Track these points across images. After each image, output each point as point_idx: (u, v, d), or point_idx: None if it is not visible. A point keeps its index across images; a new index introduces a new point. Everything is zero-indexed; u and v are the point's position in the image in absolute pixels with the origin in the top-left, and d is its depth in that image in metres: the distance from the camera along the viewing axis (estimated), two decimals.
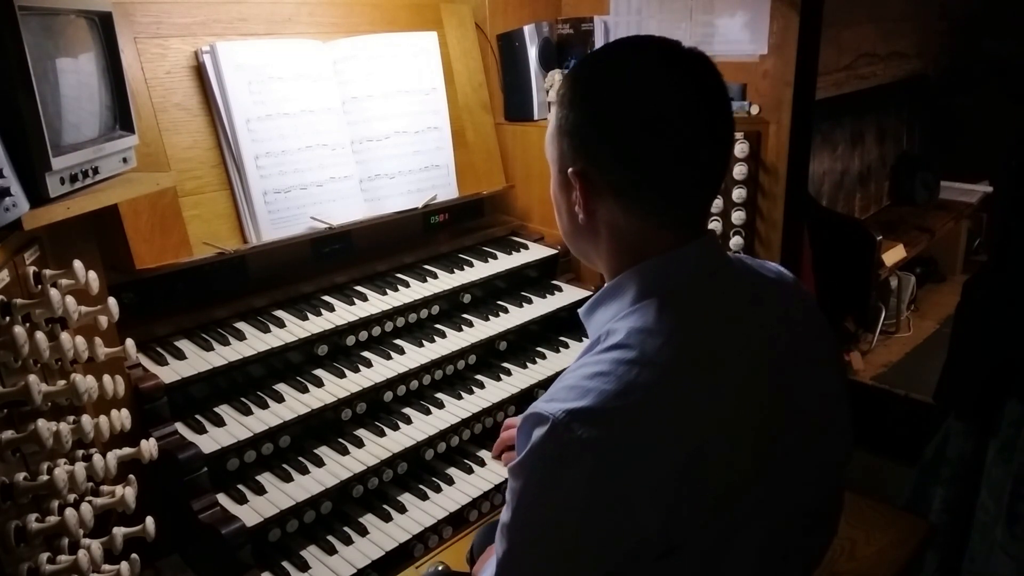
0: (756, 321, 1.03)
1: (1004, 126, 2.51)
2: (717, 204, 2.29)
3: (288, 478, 1.69)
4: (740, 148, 2.21)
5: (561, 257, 2.42)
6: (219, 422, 1.69)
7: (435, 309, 2.15)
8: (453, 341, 2.06)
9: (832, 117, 3.62)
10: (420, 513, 1.76)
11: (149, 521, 1.35)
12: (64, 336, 1.26)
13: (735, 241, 2.31)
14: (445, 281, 2.17)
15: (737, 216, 2.28)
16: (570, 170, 1.01)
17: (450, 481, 1.86)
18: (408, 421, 1.90)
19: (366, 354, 1.97)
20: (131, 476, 1.38)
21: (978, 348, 2.16)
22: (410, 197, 2.23)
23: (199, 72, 1.90)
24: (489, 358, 2.17)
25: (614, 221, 1.01)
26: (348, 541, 1.67)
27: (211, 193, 1.91)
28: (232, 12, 1.97)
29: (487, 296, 2.29)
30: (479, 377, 2.08)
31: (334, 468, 1.73)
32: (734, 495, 0.94)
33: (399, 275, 2.16)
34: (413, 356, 1.98)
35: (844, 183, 3.86)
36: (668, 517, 0.90)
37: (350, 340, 1.97)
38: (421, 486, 1.84)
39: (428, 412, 1.93)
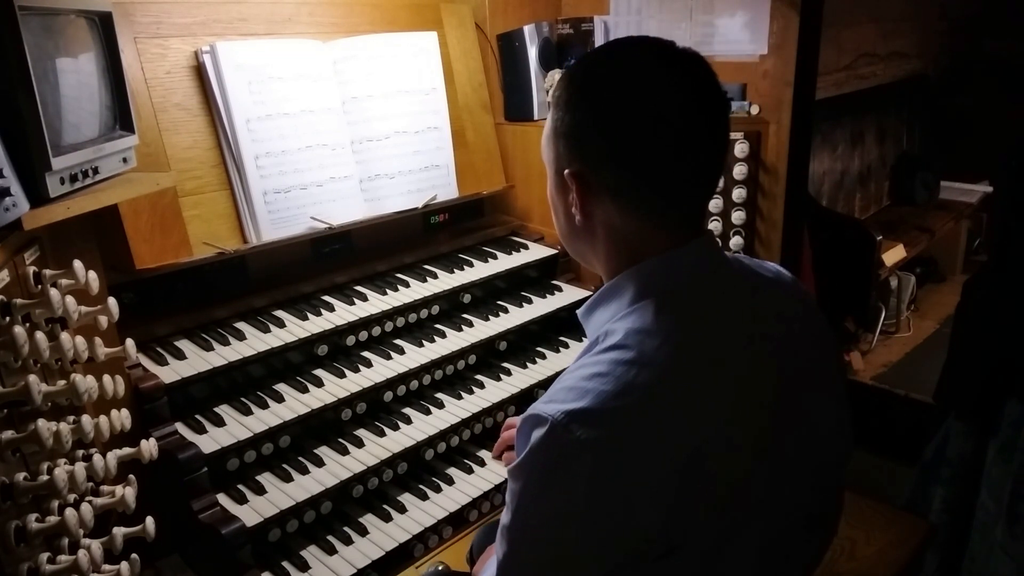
0: (755, 321, 1.03)
1: (1004, 126, 2.51)
2: (717, 204, 2.29)
3: (288, 478, 1.69)
4: (740, 148, 2.21)
5: (561, 257, 2.42)
6: (219, 422, 1.69)
7: (435, 309, 2.15)
8: (453, 341, 2.06)
9: (832, 117, 3.62)
10: (420, 513, 1.76)
11: (149, 521, 1.35)
12: (64, 336, 1.26)
13: (735, 241, 2.31)
14: (445, 281, 2.17)
15: (737, 216, 2.28)
16: (566, 171, 1.01)
17: (450, 481, 1.86)
18: (408, 421, 1.90)
19: (366, 354, 1.97)
20: (131, 476, 1.38)
21: (978, 348, 2.16)
22: (410, 197, 2.23)
23: (199, 72, 1.90)
24: (489, 358, 2.17)
25: (611, 222, 1.01)
26: (348, 541, 1.67)
27: (211, 193, 1.91)
28: (232, 12, 1.97)
29: (487, 296, 2.29)
30: (479, 377, 2.08)
31: (334, 468, 1.73)
32: (734, 495, 0.94)
33: (399, 275, 2.16)
34: (413, 356, 1.98)
35: (844, 183, 3.86)
36: (668, 517, 0.90)
37: (350, 340, 1.97)
38: (421, 486, 1.84)
39: (428, 412, 1.93)
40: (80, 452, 1.31)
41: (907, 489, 2.40)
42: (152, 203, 1.76)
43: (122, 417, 1.38)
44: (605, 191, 0.99)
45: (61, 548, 1.20)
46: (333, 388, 1.83)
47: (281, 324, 1.89)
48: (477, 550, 1.53)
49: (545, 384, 2.06)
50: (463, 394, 2.01)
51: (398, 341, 2.03)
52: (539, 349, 2.24)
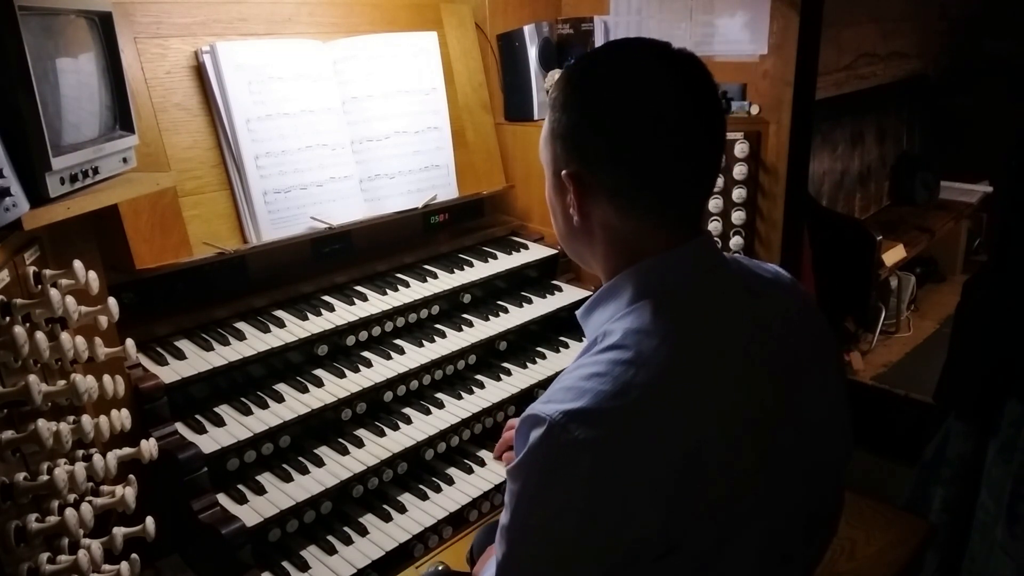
0: (754, 321, 1.03)
1: (1004, 126, 2.51)
2: (717, 204, 2.29)
3: (288, 478, 1.69)
4: (740, 148, 2.22)
5: (561, 257, 2.42)
6: (219, 422, 1.69)
7: (435, 309, 2.15)
8: (453, 341, 2.06)
9: (832, 117, 3.62)
10: (420, 513, 1.76)
11: (149, 521, 1.35)
12: (64, 336, 1.26)
13: (735, 241, 2.31)
14: (445, 281, 2.17)
15: (737, 216, 2.28)
16: (563, 172, 1.01)
17: (450, 481, 1.86)
18: (408, 421, 1.90)
19: (366, 354, 1.97)
20: (131, 476, 1.38)
21: (978, 348, 2.16)
22: (410, 197, 2.23)
23: (199, 72, 1.90)
24: (489, 358, 2.17)
25: (609, 222, 1.01)
26: (348, 541, 1.67)
27: (211, 193, 1.91)
28: (232, 12, 1.97)
29: (487, 296, 2.29)
30: (479, 377, 2.08)
31: (334, 468, 1.73)
32: (733, 495, 0.94)
33: (399, 275, 2.16)
34: (413, 356, 1.98)
35: (844, 183, 3.86)
36: (667, 517, 0.90)
37: (350, 340, 1.97)
38: (421, 486, 1.84)
39: (428, 412, 1.93)
40: (80, 452, 1.31)
41: (907, 489, 2.39)
42: (152, 203, 1.76)
43: (122, 417, 1.39)
44: (602, 192, 1.00)
45: (61, 548, 1.20)
46: (333, 388, 1.83)
47: (281, 324, 1.89)
48: (477, 550, 1.53)
49: (545, 384, 2.06)
50: (463, 394, 2.01)
51: (398, 341, 2.03)
52: (539, 349, 2.24)
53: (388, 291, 2.07)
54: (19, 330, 1.12)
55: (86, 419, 1.25)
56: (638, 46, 1.04)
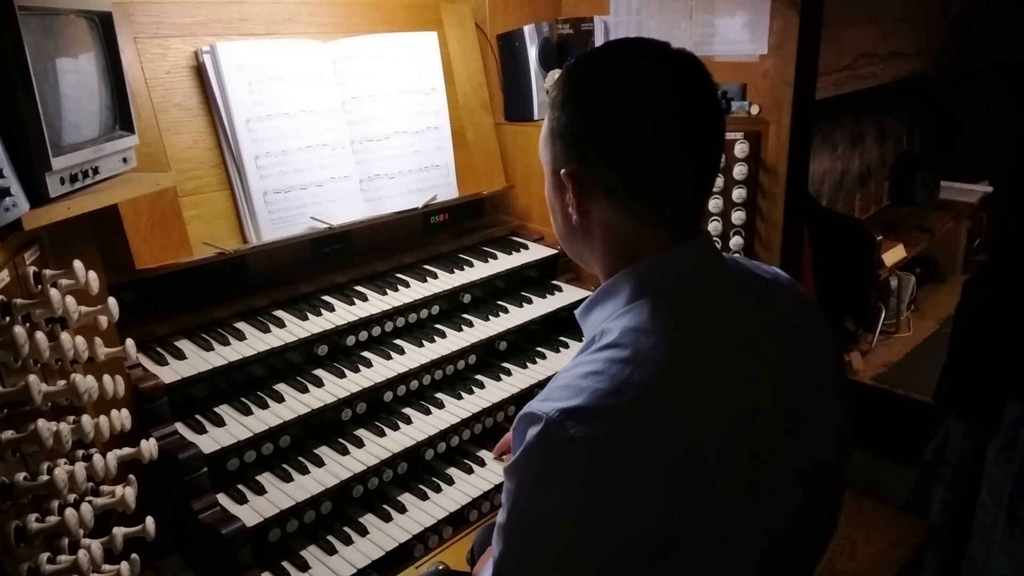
0: (753, 320, 1.03)
1: (1004, 126, 2.51)
2: (717, 204, 2.29)
3: (288, 478, 1.69)
4: (740, 148, 2.22)
5: (561, 257, 2.42)
6: (219, 422, 1.69)
7: (435, 309, 2.15)
8: (453, 341, 2.06)
9: (832, 117, 3.62)
10: (420, 513, 1.76)
11: (149, 521, 1.35)
12: (64, 336, 1.26)
13: (735, 241, 2.31)
14: (445, 281, 2.17)
15: (737, 216, 2.28)
16: (562, 171, 1.01)
17: (450, 481, 1.86)
18: (408, 421, 1.90)
19: (366, 354, 1.97)
20: (131, 476, 1.38)
21: (978, 348, 2.16)
22: (410, 197, 2.23)
23: (199, 72, 1.90)
24: (489, 358, 2.17)
25: (608, 222, 1.01)
26: (348, 541, 1.67)
27: (211, 193, 1.91)
28: (232, 12, 1.97)
29: (487, 296, 2.29)
30: (479, 377, 2.08)
31: (334, 468, 1.73)
32: (730, 494, 0.94)
33: (399, 275, 2.16)
34: (413, 356, 1.98)
35: (844, 183, 3.87)
36: (663, 515, 0.90)
37: (350, 340, 1.97)
38: (421, 486, 1.84)
39: (428, 412, 1.93)
40: (80, 452, 1.31)
41: (907, 489, 2.39)
42: (152, 203, 1.76)
43: (122, 417, 1.39)
44: (601, 191, 1.00)
45: (61, 548, 1.20)
46: (333, 388, 1.83)
47: (281, 324, 1.89)
48: (478, 550, 1.53)
49: (545, 384, 2.04)
50: (463, 394, 2.01)
51: (398, 341, 2.03)
52: (539, 349, 2.24)
53: (388, 291, 2.07)
54: (19, 330, 1.12)
55: (86, 419, 1.25)
56: (638, 46, 1.05)
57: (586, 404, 0.89)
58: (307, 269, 2.08)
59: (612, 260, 1.04)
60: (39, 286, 1.28)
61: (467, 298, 2.23)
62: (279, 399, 1.77)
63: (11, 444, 1.14)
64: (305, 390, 1.81)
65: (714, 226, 2.31)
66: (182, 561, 1.67)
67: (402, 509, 1.77)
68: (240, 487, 1.66)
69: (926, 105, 4.49)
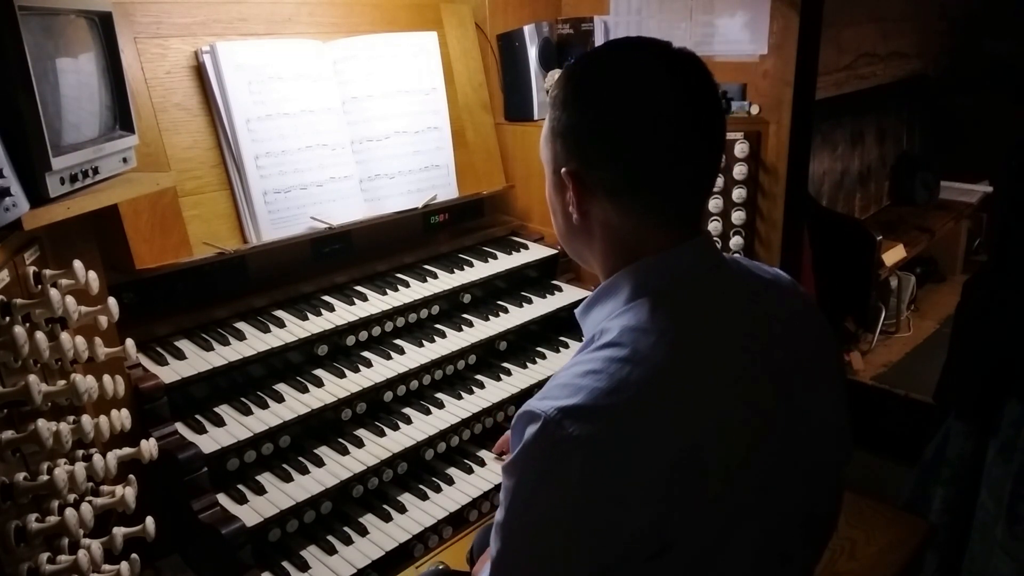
0: (752, 320, 1.03)
1: (1004, 126, 2.51)
2: (717, 204, 2.29)
3: (288, 478, 1.69)
4: (740, 148, 2.21)
5: (561, 257, 2.42)
6: (219, 422, 1.69)
7: (435, 309, 2.15)
8: (453, 341, 2.06)
9: (832, 117, 3.62)
10: (420, 513, 1.76)
11: (149, 521, 1.35)
12: (64, 336, 1.26)
13: (735, 241, 2.31)
14: (445, 281, 2.17)
15: (737, 216, 2.28)
16: (563, 170, 1.02)
17: (450, 481, 1.86)
18: (408, 421, 1.90)
19: (366, 354, 1.97)
20: (131, 476, 1.38)
21: (978, 348, 2.16)
22: (410, 197, 2.23)
23: (199, 72, 1.90)
24: (489, 358, 2.17)
25: (608, 221, 1.02)
26: (348, 541, 1.67)
27: (211, 193, 1.91)
28: (232, 12, 1.97)
29: (487, 296, 2.29)
30: (479, 377, 2.08)
31: (334, 468, 1.73)
32: (729, 494, 0.94)
33: (399, 275, 2.16)
34: (413, 356, 1.98)
35: (844, 183, 3.87)
36: (661, 514, 0.90)
37: (350, 340, 1.97)
38: (421, 486, 1.84)
39: (428, 412, 1.93)
40: (80, 452, 1.31)
41: (907, 489, 2.39)
42: (152, 203, 1.76)
43: (122, 417, 1.39)
44: (601, 190, 1.00)
45: (61, 548, 1.20)
46: (333, 388, 1.83)
47: (281, 324, 1.89)
48: (477, 550, 1.53)
49: (545, 384, 2.05)
50: (463, 394, 2.01)
51: (398, 341, 2.03)
52: (539, 349, 2.24)
53: (388, 291, 2.07)
54: (19, 330, 1.12)
55: (86, 419, 1.25)
56: (639, 45, 1.05)
57: (585, 403, 0.89)
58: (307, 269, 2.08)
59: (612, 259, 1.04)
60: (39, 286, 1.28)
61: (467, 298, 2.23)
62: (279, 399, 1.77)
63: (11, 444, 1.14)
64: (305, 390, 1.81)
65: (714, 226, 2.31)
66: (182, 561, 1.67)
67: (402, 509, 1.77)
68: (240, 487, 1.66)
69: (926, 105, 4.49)
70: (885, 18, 3.83)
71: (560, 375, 0.97)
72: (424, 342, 2.03)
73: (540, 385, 2.05)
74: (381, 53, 2.18)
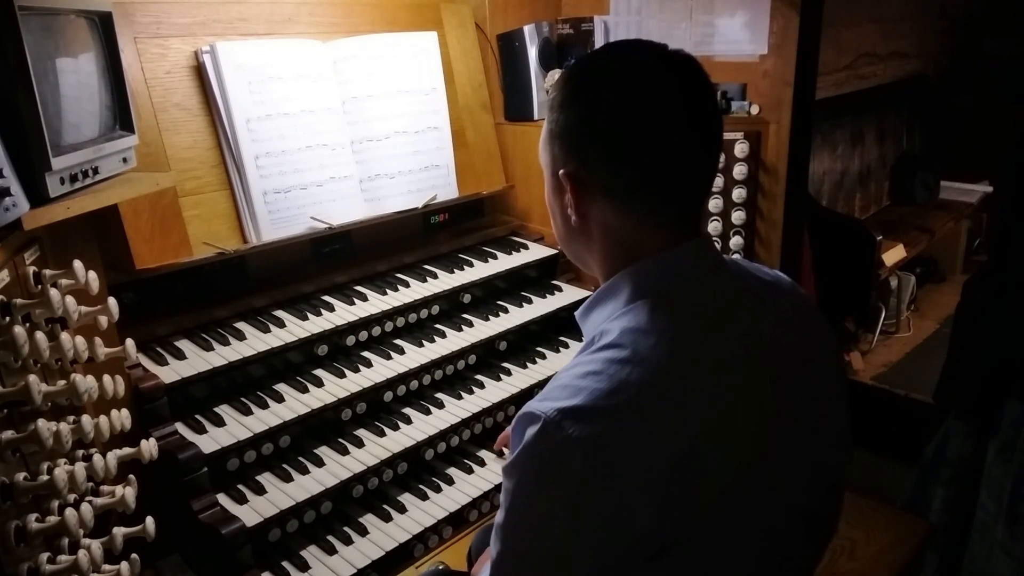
0: (752, 321, 1.03)
1: (1004, 126, 2.51)
2: (717, 204, 2.29)
3: (288, 478, 1.69)
4: (740, 148, 2.21)
5: (561, 257, 2.42)
6: (219, 422, 1.69)
7: (435, 309, 2.15)
8: (453, 341, 2.06)
9: (832, 117, 3.62)
10: (420, 513, 1.76)
11: (149, 521, 1.35)
12: (64, 336, 1.26)
13: (735, 241, 2.31)
14: (445, 281, 2.17)
15: (737, 216, 2.28)
16: (561, 172, 1.02)
17: (450, 481, 1.86)
18: (408, 421, 1.90)
19: (366, 354, 1.97)
20: (131, 476, 1.38)
21: (978, 348, 2.16)
22: (410, 197, 2.23)
23: (199, 72, 1.90)
24: (489, 358, 2.17)
25: (607, 222, 1.02)
26: (348, 541, 1.67)
27: (211, 193, 1.91)
28: (232, 12, 1.97)
29: (487, 296, 2.29)
30: (479, 377, 2.08)
31: (334, 468, 1.73)
32: (728, 494, 0.94)
33: (399, 275, 2.16)
34: (413, 356, 1.98)
35: (844, 183, 3.87)
36: (661, 515, 0.90)
37: (350, 340, 1.97)
38: (421, 486, 1.84)
39: (428, 412, 1.93)
40: (80, 452, 1.31)
41: (907, 489, 2.39)
42: (152, 203, 1.76)
43: (122, 417, 1.39)
44: (600, 191, 1.00)
45: (61, 548, 1.20)
46: (333, 388, 1.83)
47: (281, 324, 1.89)
48: (476, 551, 1.53)
49: (545, 384, 2.05)
50: (463, 394, 2.01)
51: (398, 341, 2.03)
52: (539, 349, 2.24)
53: (388, 291, 2.07)
54: (19, 330, 1.12)
55: (86, 419, 1.25)
56: (636, 47, 1.05)
57: (584, 404, 0.89)
58: (307, 269, 2.08)
59: (611, 261, 1.04)
60: (39, 286, 1.28)
61: (467, 298, 2.23)
62: (279, 399, 1.77)
63: (11, 444, 1.14)
64: (305, 390, 1.81)
65: (714, 226, 2.31)
66: (182, 561, 1.67)
67: (402, 509, 1.77)
68: (240, 487, 1.66)
69: (926, 105, 4.49)
70: (885, 18, 3.83)
71: (560, 377, 0.97)
72: (424, 342, 2.03)
73: (540, 385, 2.06)
74: (381, 53, 2.18)
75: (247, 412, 1.72)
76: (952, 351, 2.31)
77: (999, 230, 2.38)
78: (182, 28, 1.88)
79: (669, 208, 1.01)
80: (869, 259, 3.24)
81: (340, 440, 1.80)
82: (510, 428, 1.82)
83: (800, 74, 2.14)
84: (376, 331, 2.01)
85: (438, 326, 2.11)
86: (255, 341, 1.82)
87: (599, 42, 2.48)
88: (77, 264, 1.31)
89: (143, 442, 1.43)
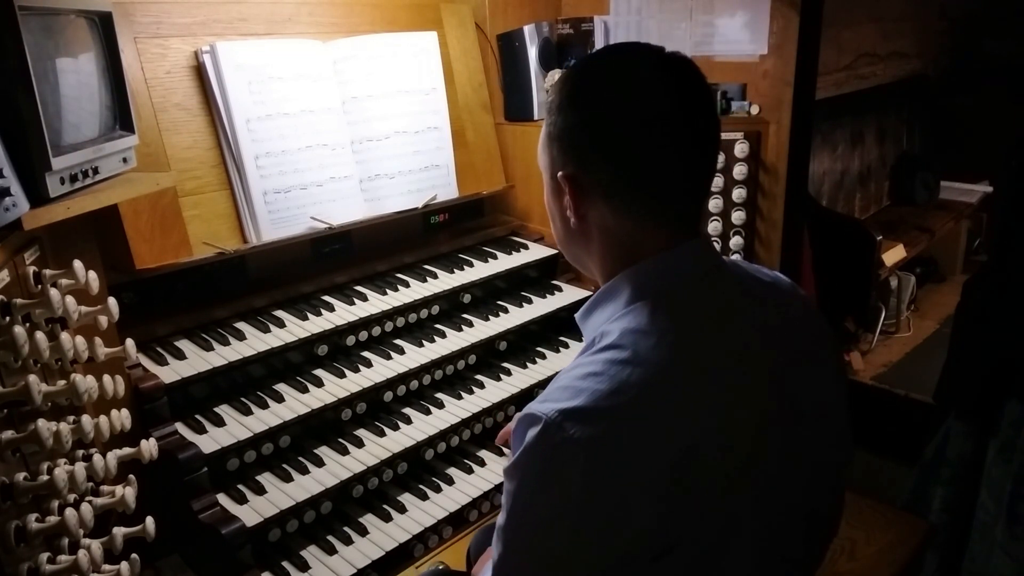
0: (752, 322, 1.03)
1: (1004, 126, 2.51)
2: (717, 204, 2.29)
3: (288, 478, 1.69)
4: (740, 148, 2.21)
5: (561, 257, 2.41)
6: (219, 422, 1.69)
7: (435, 309, 2.15)
8: (453, 341, 2.06)
9: (832, 117, 3.62)
10: (420, 513, 1.77)
11: (149, 521, 1.35)
12: (64, 336, 1.26)
13: (735, 241, 2.31)
14: (445, 281, 2.17)
15: (737, 216, 2.28)
16: (559, 174, 1.02)
17: (450, 481, 1.86)
18: (408, 421, 1.90)
19: (366, 354, 1.97)
20: (131, 476, 1.38)
21: (978, 348, 2.16)
22: (410, 197, 2.23)
23: (199, 72, 1.90)
24: (489, 358, 2.17)
25: (606, 224, 1.02)
26: (348, 541, 1.68)
27: (211, 193, 1.91)
28: (232, 12, 1.97)
29: (487, 296, 2.29)
30: (479, 377, 2.08)
31: (334, 468, 1.73)
32: (730, 495, 0.94)
33: (399, 275, 2.16)
34: (413, 356, 1.98)
35: (844, 183, 3.87)
36: (663, 516, 0.90)
37: (350, 340, 1.97)
38: (421, 486, 1.84)
39: (428, 412, 1.93)
40: (80, 452, 1.31)
41: (907, 489, 2.39)
42: (152, 203, 1.76)
43: (122, 417, 1.38)
44: (598, 193, 1.00)
45: (61, 548, 1.20)
46: (333, 388, 1.83)
47: (281, 324, 1.89)
48: (474, 552, 1.53)
49: (545, 384, 2.05)
50: (463, 394, 2.01)
51: (398, 341, 2.03)
52: (539, 349, 2.24)
53: (388, 291, 2.07)
54: (19, 330, 1.12)
55: (86, 419, 1.25)
56: (633, 50, 1.06)
57: (585, 405, 0.89)
58: (307, 269, 2.08)
59: (611, 263, 1.04)
60: (39, 286, 1.28)
61: (467, 298, 2.23)
62: (279, 399, 1.77)
63: (11, 444, 1.14)
64: (305, 390, 1.81)
65: (714, 226, 2.31)
66: (182, 561, 1.67)
67: (402, 509, 1.77)
68: (240, 487, 1.66)
69: (926, 105, 4.49)
70: (885, 18, 3.83)
71: (561, 378, 0.97)
72: (424, 342, 2.03)
73: (540, 385, 2.06)
74: (381, 53, 2.18)
75: (247, 412, 1.72)
76: (952, 351, 2.31)
77: (999, 230, 2.38)
78: (182, 28, 1.88)
79: (668, 209, 1.01)
80: (869, 259, 3.24)
81: (340, 440, 1.80)
82: (511, 424, 1.83)
83: (800, 74, 2.14)
84: (376, 331, 2.01)
85: (438, 326, 2.11)
86: (255, 341, 1.82)
87: (599, 42, 2.48)
88: (77, 264, 1.31)
89: (143, 442, 1.43)
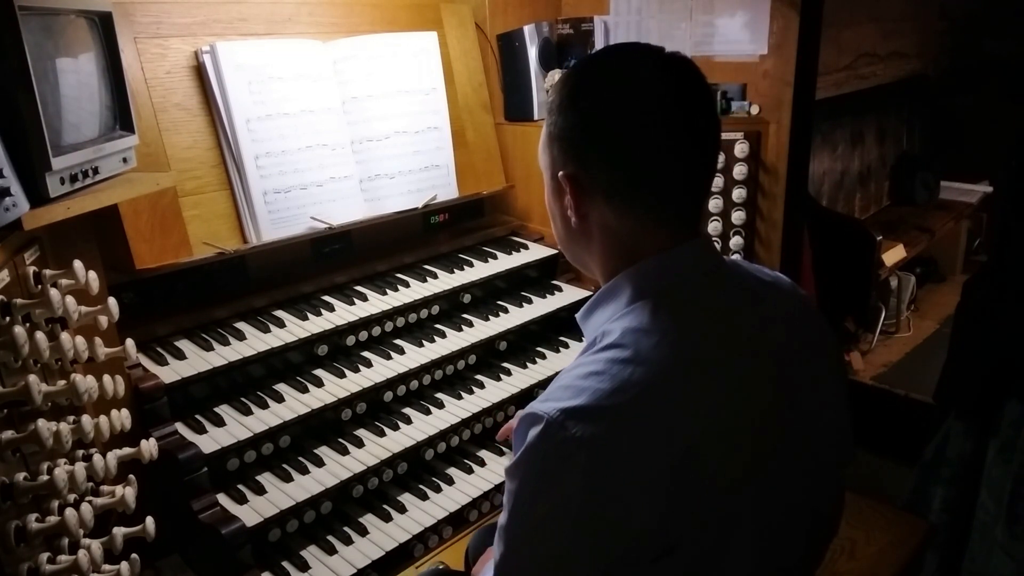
0: (753, 321, 1.03)
1: (1004, 126, 2.51)
2: (717, 204, 2.29)
3: (288, 478, 1.69)
4: (740, 148, 2.21)
5: (561, 257, 2.42)
6: (219, 422, 1.69)
7: (435, 309, 2.15)
8: (453, 341, 2.06)
9: (832, 117, 3.62)
10: (420, 513, 1.77)
11: (149, 521, 1.35)
12: (64, 336, 1.26)
13: (735, 241, 2.31)
14: (445, 281, 2.17)
15: (737, 216, 2.28)
16: (560, 174, 1.02)
17: (450, 481, 1.86)
18: (408, 421, 1.90)
19: (366, 354, 1.97)
20: (131, 476, 1.38)
21: (978, 348, 2.16)
22: (410, 197, 2.23)
23: (199, 72, 1.90)
24: (489, 358, 2.17)
25: (606, 223, 1.02)
26: (348, 541, 1.67)
27: (211, 193, 1.91)
28: (232, 12, 1.97)
29: (487, 296, 2.29)
30: (479, 377, 2.08)
31: (334, 468, 1.73)
32: (731, 494, 0.94)
33: (399, 275, 2.16)
34: (413, 356, 1.98)
35: (844, 183, 3.87)
36: (664, 515, 0.90)
37: (350, 340, 1.97)
38: (421, 486, 1.84)
39: (428, 412, 1.93)
40: (80, 452, 1.31)
41: (907, 489, 2.39)
42: (152, 203, 1.76)
43: (122, 417, 1.39)
44: (599, 192, 1.00)
45: (61, 548, 1.20)
46: (333, 388, 1.83)
47: (281, 324, 1.89)
48: (474, 552, 1.53)
49: (545, 384, 2.06)
50: (463, 394, 2.01)
51: (398, 341, 2.03)
52: (539, 349, 2.24)
53: (388, 291, 2.07)
54: (19, 330, 1.12)
55: (86, 419, 1.25)
56: (633, 50, 1.06)
57: (587, 404, 0.89)
58: (307, 269, 2.08)
59: (612, 262, 1.04)
60: (39, 286, 1.28)
61: (467, 298, 2.23)
62: (279, 399, 1.77)
63: (11, 444, 1.14)
64: (305, 390, 1.81)
65: (714, 226, 2.31)
66: (182, 561, 1.67)
67: (402, 509, 1.77)
68: (240, 487, 1.66)
69: (926, 105, 4.50)
70: (885, 18, 3.83)
71: (562, 377, 0.97)
72: (424, 342, 2.03)
73: (540, 385, 2.06)
74: (381, 53, 2.18)
75: (247, 412, 1.72)
76: (952, 351, 2.31)
77: (999, 230, 2.38)
78: (182, 28, 1.88)
79: (668, 209, 1.01)
80: (869, 259, 3.24)
81: (340, 440, 1.80)
82: (513, 421, 1.83)
83: (800, 74, 2.14)
84: (376, 331, 2.01)
85: (438, 326, 2.11)
86: (255, 341, 1.81)
87: (599, 42, 2.48)
88: (77, 264, 1.31)
89: (143, 442, 1.43)
